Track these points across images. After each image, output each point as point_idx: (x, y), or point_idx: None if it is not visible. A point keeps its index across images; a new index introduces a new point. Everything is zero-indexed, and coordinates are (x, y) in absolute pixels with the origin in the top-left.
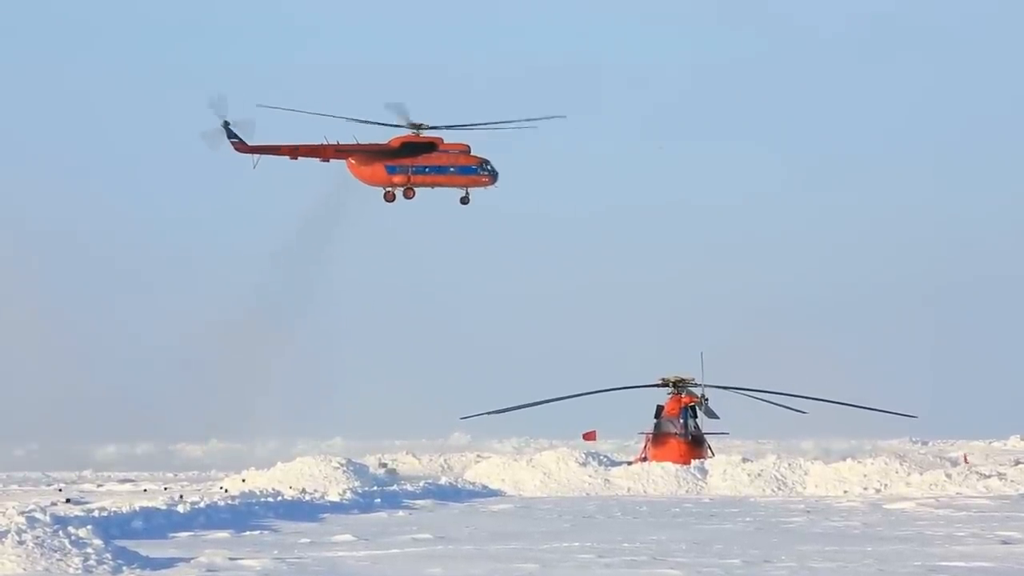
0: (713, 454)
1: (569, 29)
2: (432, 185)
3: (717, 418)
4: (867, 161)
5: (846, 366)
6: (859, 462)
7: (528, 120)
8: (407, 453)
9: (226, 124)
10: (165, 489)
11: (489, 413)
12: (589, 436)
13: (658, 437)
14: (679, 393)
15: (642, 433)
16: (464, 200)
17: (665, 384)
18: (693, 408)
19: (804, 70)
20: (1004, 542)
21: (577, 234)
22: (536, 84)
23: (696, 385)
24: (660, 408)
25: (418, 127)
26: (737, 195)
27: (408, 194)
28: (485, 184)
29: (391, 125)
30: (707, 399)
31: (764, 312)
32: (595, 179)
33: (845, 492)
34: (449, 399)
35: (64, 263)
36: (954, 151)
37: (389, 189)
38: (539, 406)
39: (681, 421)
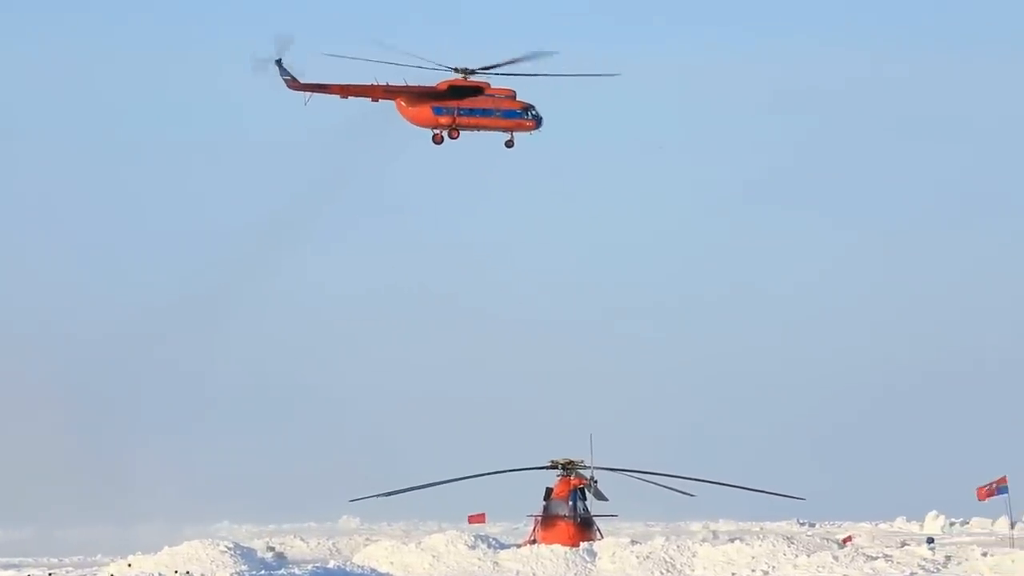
0: (602, 536)
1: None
2: (477, 128)
3: (606, 500)
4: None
5: (734, 447)
6: (747, 544)
7: (526, 57)
8: (295, 536)
9: (279, 62)
10: (50, 575)
11: (378, 496)
12: (476, 519)
13: (547, 519)
14: (568, 475)
15: (531, 516)
16: (509, 144)
17: (554, 466)
18: (582, 490)
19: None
20: None
21: (471, 314)
22: None
23: (586, 467)
24: (549, 490)
25: (466, 72)
26: (622, 272)
27: (453, 134)
28: (529, 129)
29: (438, 68)
30: (596, 481)
31: (652, 393)
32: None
33: (733, 574)
34: (337, 482)
35: None
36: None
37: (437, 131)
38: (428, 488)
39: (570, 503)
